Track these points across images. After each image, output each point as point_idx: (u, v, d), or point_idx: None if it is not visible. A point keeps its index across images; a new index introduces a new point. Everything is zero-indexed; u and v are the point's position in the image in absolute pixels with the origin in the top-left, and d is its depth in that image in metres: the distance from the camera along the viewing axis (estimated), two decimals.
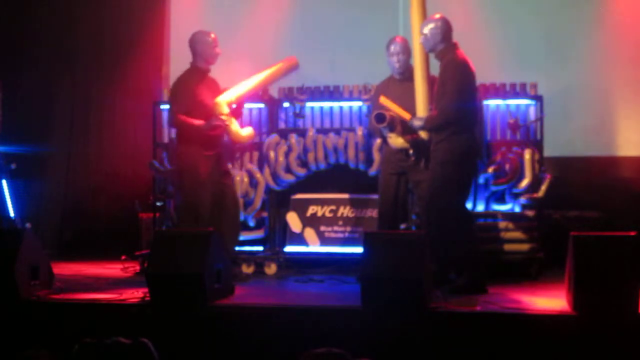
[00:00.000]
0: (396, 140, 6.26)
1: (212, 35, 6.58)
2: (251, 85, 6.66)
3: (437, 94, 5.95)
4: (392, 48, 6.42)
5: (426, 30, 5.98)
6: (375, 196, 6.72)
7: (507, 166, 6.76)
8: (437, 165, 5.93)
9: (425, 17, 6.09)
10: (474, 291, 5.69)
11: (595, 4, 8.12)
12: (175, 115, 6.45)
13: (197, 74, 6.57)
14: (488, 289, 5.80)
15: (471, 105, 5.90)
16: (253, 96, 6.87)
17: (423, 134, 6.10)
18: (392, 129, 6.21)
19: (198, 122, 6.38)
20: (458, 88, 5.82)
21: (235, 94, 6.52)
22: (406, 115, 6.17)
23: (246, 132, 6.60)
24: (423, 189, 6.21)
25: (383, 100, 6.28)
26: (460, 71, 5.86)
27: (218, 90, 6.63)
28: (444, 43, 5.96)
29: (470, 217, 6.10)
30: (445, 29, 5.97)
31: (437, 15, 6.02)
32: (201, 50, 6.54)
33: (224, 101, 6.43)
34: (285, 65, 6.69)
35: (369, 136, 6.90)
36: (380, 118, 6.15)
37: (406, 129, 6.21)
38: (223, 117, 6.35)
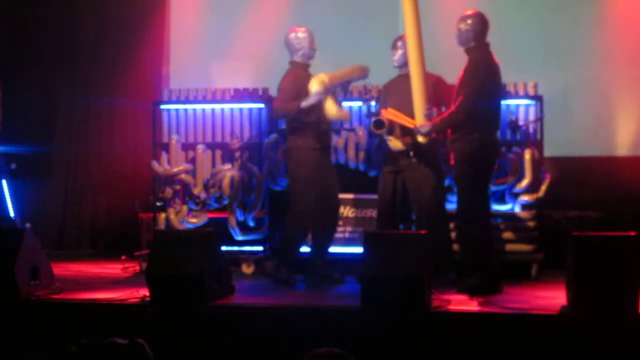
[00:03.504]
0: (396, 143, 6.28)
1: (305, 29, 6.60)
2: (339, 75, 6.62)
3: (457, 89, 5.94)
4: (400, 43, 6.42)
5: (461, 25, 5.96)
6: (375, 196, 6.72)
7: (507, 166, 6.76)
8: (455, 165, 5.97)
9: (417, 14, 6.08)
10: (489, 291, 5.69)
11: (594, 4, 8.11)
12: (276, 107, 6.51)
13: (301, 71, 6.57)
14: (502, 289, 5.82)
15: (489, 106, 5.88)
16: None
17: (420, 138, 6.10)
18: (391, 132, 6.23)
19: (296, 105, 6.36)
20: (475, 89, 5.80)
21: (328, 76, 6.47)
22: (410, 123, 6.16)
23: (343, 111, 6.56)
24: (418, 188, 6.26)
25: (386, 112, 6.29)
26: (481, 73, 5.85)
27: None
28: (475, 41, 5.94)
29: (489, 215, 6.07)
30: (479, 28, 5.94)
31: (473, 12, 6.00)
32: (300, 46, 6.57)
33: (318, 78, 6.41)
34: (359, 69, 6.70)
35: (370, 136, 6.90)
36: (378, 125, 6.18)
37: (405, 131, 6.23)
38: (318, 93, 6.32)
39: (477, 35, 5.94)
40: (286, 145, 6.72)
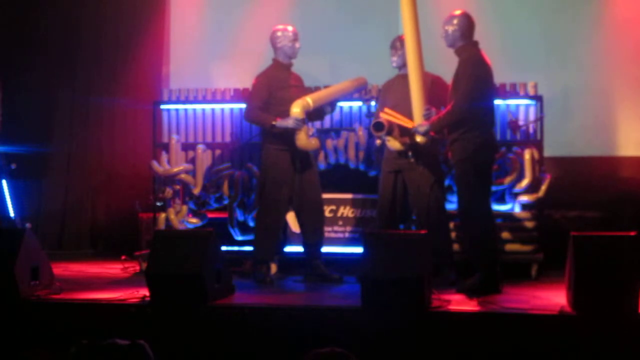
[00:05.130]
0: (394, 143, 6.29)
1: (290, 29, 6.61)
2: (329, 93, 6.67)
3: (451, 91, 5.96)
4: (399, 44, 6.42)
5: (447, 26, 5.98)
6: (375, 196, 6.72)
7: (507, 166, 6.76)
8: (455, 165, 5.97)
9: (415, 15, 6.09)
10: (489, 291, 5.69)
11: (595, 4, 8.11)
12: (250, 111, 6.54)
13: (278, 69, 6.59)
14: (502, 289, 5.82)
15: (485, 104, 5.90)
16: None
17: (419, 138, 6.10)
18: (389, 132, 6.24)
19: (270, 120, 6.40)
20: (470, 87, 5.81)
21: (313, 100, 6.49)
22: (408, 124, 6.17)
23: (312, 141, 6.57)
24: (418, 188, 6.27)
25: (384, 114, 6.30)
26: (474, 70, 5.86)
27: (301, 87, 6.67)
28: (463, 40, 5.95)
29: (491, 214, 6.07)
30: (466, 26, 5.95)
31: (458, 12, 6.02)
32: (280, 44, 6.58)
33: (302, 102, 6.42)
34: (356, 83, 6.76)
35: (370, 136, 6.90)
36: (378, 127, 6.19)
37: (404, 132, 6.23)
38: (297, 121, 6.33)
39: (464, 35, 5.95)
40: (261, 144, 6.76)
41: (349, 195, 7.16)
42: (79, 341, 3.08)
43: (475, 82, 5.84)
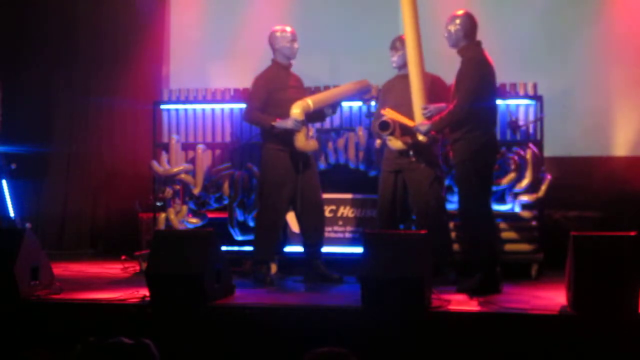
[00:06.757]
0: (396, 143, 6.29)
1: (289, 29, 6.60)
2: (330, 95, 6.68)
3: (454, 90, 5.96)
4: (399, 44, 6.42)
5: (450, 26, 5.97)
6: (375, 196, 6.72)
7: (507, 166, 6.76)
8: (456, 165, 5.97)
9: (416, 14, 6.09)
10: (489, 291, 5.69)
11: (595, 3, 8.11)
12: (249, 112, 6.54)
13: (277, 70, 6.59)
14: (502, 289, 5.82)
15: (487, 104, 5.89)
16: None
17: (421, 137, 6.11)
18: (392, 132, 6.25)
19: (269, 121, 6.39)
20: (472, 87, 5.81)
21: (313, 101, 6.48)
22: (410, 122, 6.17)
23: (310, 143, 6.57)
24: (418, 188, 6.27)
25: (387, 112, 6.30)
26: (477, 70, 5.85)
27: (301, 87, 6.67)
28: (466, 40, 5.95)
29: (492, 215, 6.07)
30: (468, 26, 5.95)
31: (461, 12, 6.01)
32: (279, 45, 6.57)
33: (302, 103, 6.42)
34: (359, 85, 6.75)
35: (370, 136, 6.90)
36: (384, 126, 6.19)
37: (405, 131, 6.23)
38: (296, 122, 6.31)
39: (467, 35, 5.95)
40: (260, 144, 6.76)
41: (349, 195, 7.16)
42: (86, 339, 3.09)
43: (478, 82, 5.84)
